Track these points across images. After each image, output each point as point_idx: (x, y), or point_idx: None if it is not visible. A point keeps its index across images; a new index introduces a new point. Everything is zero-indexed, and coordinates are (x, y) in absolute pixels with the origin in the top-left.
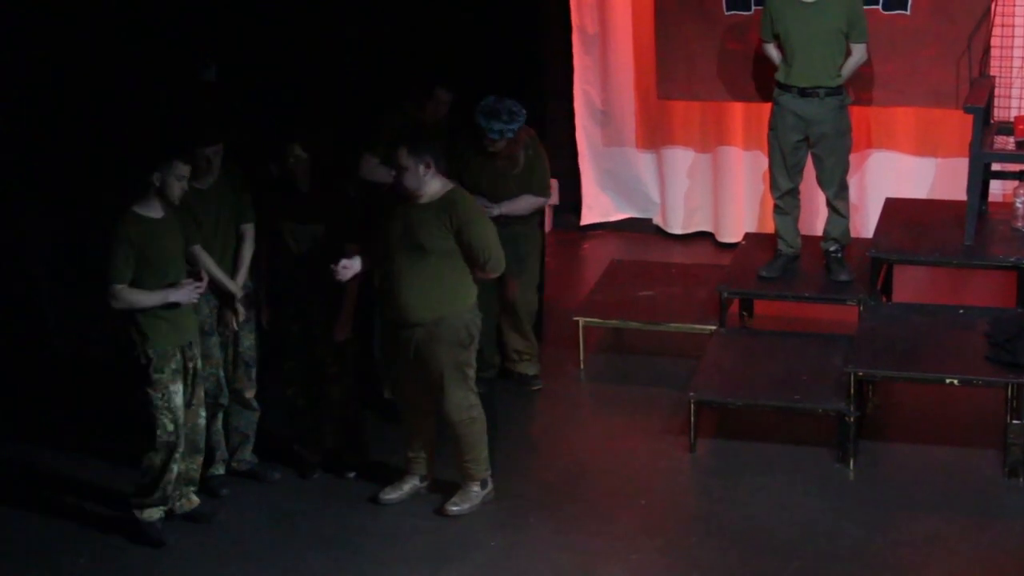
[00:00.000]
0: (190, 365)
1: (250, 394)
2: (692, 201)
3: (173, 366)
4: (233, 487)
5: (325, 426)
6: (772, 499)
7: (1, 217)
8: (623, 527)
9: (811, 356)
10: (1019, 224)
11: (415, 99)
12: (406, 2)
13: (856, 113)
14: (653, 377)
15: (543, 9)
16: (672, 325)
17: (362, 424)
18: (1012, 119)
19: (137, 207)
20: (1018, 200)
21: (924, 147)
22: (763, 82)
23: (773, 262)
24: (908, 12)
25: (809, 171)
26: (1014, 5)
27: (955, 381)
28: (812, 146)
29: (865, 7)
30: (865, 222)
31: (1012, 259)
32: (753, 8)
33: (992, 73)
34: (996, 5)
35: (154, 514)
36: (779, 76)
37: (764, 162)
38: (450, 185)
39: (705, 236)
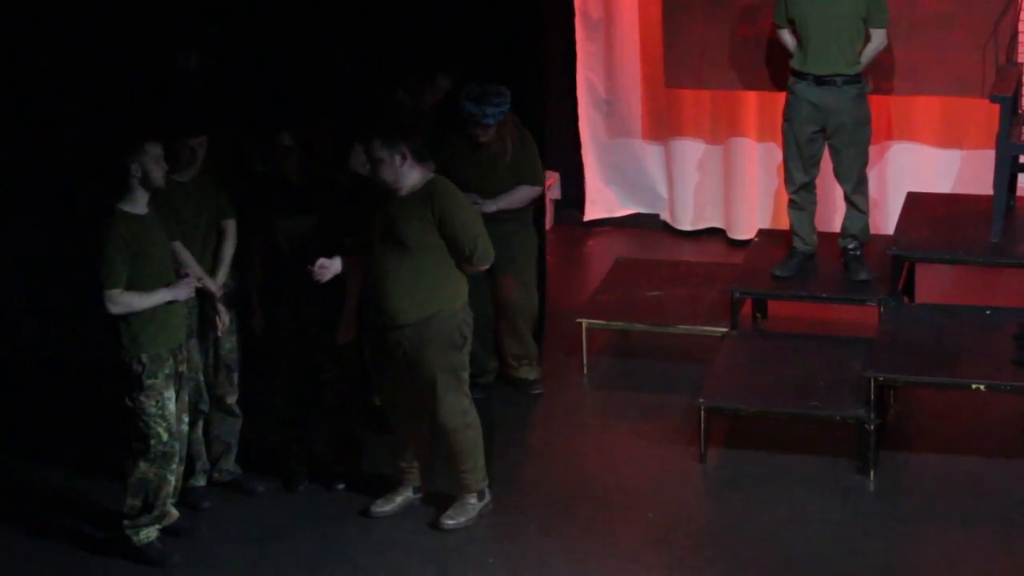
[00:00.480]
0: (181, 369)
1: (232, 399)
2: (702, 196)
3: (166, 371)
4: (215, 499)
5: (316, 434)
6: (787, 512)
7: None
8: (629, 542)
9: (828, 360)
10: None
11: (411, 86)
12: None
13: (875, 102)
14: (661, 383)
15: None
16: (681, 327)
17: (356, 432)
18: None
19: (123, 204)
20: None
21: (948, 138)
22: (777, 69)
23: (788, 260)
24: None
25: (826, 164)
26: None
27: (982, 386)
28: (829, 137)
29: None
30: (885, 218)
31: None
32: None
33: (1020, 60)
34: None
35: (151, 534)
36: (794, 63)
37: (778, 154)
38: (430, 175)
39: (716, 233)
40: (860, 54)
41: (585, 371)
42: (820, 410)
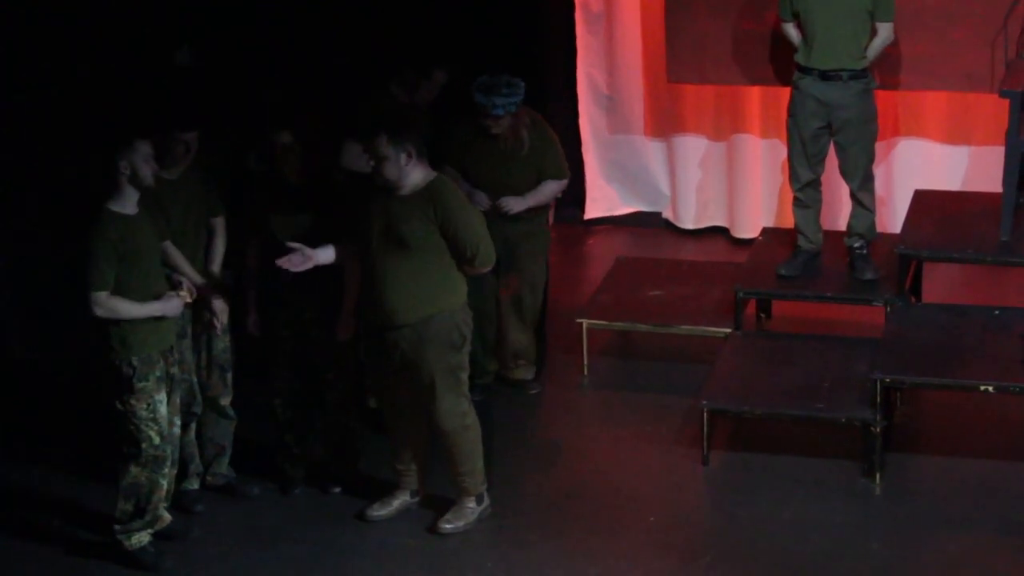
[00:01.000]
0: (172, 371)
1: (226, 401)
2: (705, 194)
3: (157, 373)
4: (208, 503)
5: (315, 436)
6: (791, 515)
7: None
8: (631, 546)
9: (834, 361)
10: None
11: (406, 81)
12: None
13: (882, 98)
14: (662, 384)
15: None
16: (683, 328)
17: (354, 433)
18: None
19: (111, 204)
20: None
21: (956, 135)
22: (782, 64)
23: (792, 259)
24: None
25: (831, 161)
26: None
27: (990, 388)
28: (834, 134)
29: None
30: (892, 216)
31: None
32: None
33: None
34: None
35: (143, 539)
36: (799, 58)
37: (782, 151)
38: (433, 174)
39: (719, 231)
40: (866, 48)
41: (585, 372)
42: (825, 412)
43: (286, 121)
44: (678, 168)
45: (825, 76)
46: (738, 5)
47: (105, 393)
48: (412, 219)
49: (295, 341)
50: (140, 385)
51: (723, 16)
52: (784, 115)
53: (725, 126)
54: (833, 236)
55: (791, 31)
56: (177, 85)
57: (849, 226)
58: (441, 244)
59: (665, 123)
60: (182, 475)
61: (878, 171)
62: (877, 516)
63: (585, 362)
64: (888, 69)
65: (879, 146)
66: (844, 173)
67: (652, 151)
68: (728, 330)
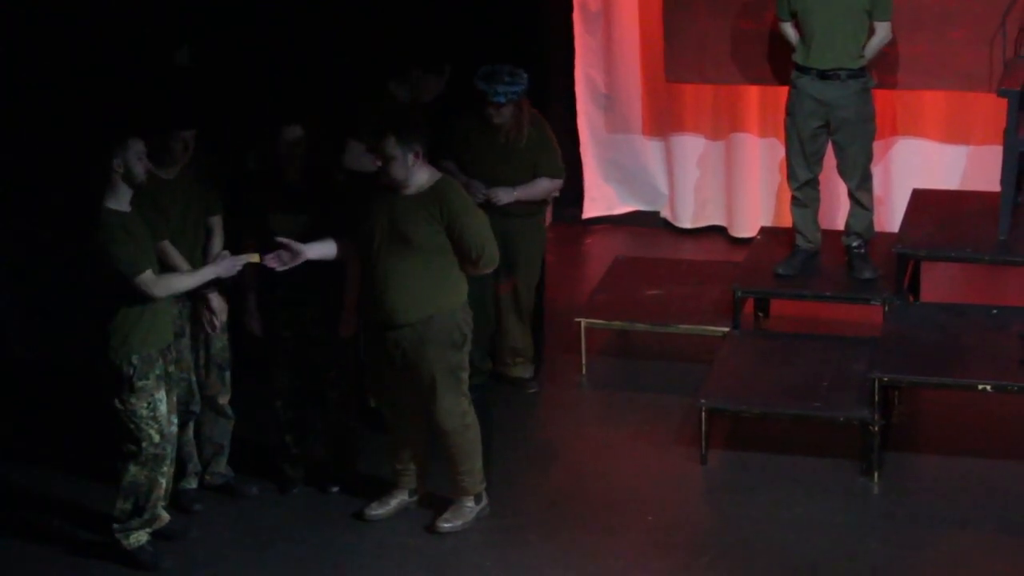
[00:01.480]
0: (170, 369)
1: (224, 400)
2: (703, 193)
3: (157, 372)
4: (206, 502)
5: (315, 436)
6: (789, 515)
7: None
8: (629, 545)
9: (832, 360)
10: None
11: (406, 80)
12: None
13: (880, 97)
14: (661, 383)
15: None
16: (681, 327)
17: (354, 432)
18: None
19: (108, 202)
20: None
21: (954, 134)
22: (780, 64)
23: (790, 259)
24: None
25: (830, 160)
26: None
27: (988, 387)
28: (833, 133)
29: None
30: (890, 215)
31: None
32: None
33: None
34: None
35: (141, 538)
36: (797, 57)
37: (781, 150)
38: (438, 175)
39: (717, 230)
40: (864, 48)
41: (584, 371)
42: (823, 411)
43: (298, 116)
44: (676, 167)
45: (823, 75)
46: (736, 4)
47: (105, 392)
48: (417, 219)
49: (296, 340)
50: (141, 384)
51: (721, 15)
52: (782, 114)
53: (723, 125)
54: (831, 235)
55: (789, 30)
56: (176, 85)
57: (847, 225)
58: (444, 244)
59: (663, 122)
60: (180, 474)
61: (876, 170)
62: (875, 515)
63: (583, 361)
64: (886, 68)
65: (877, 145)
66: (842, 172)
67: (650, 150)
68: (726, 329)
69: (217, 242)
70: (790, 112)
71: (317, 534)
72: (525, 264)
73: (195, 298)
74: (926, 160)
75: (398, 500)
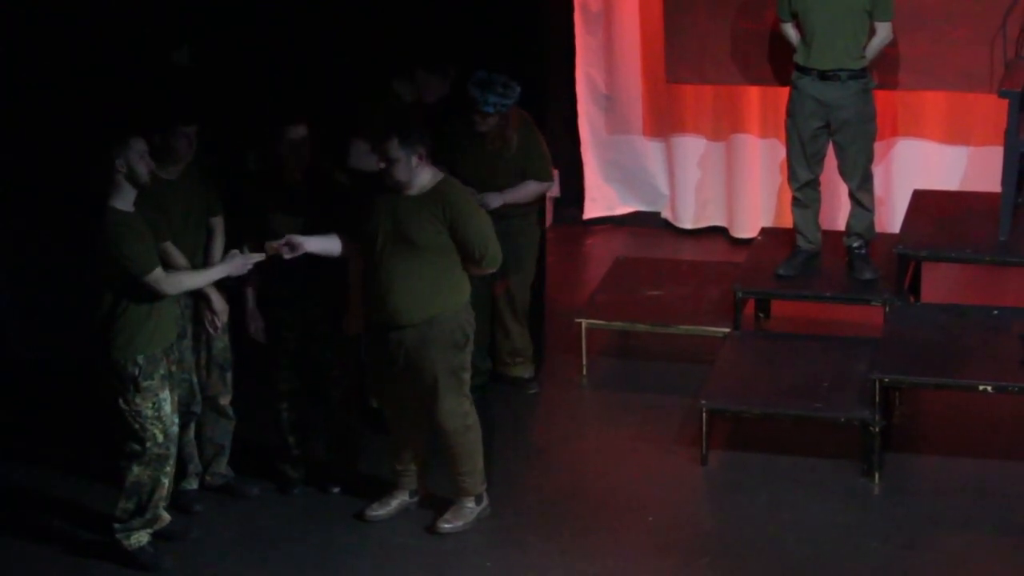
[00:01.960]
0: (173, 369)
1: (225, 400)
2: (704, 193)
3: (161, 371)
4: (207, 503)
5: (316, 436)
6: (790, 515)
7: None
8: (630, 546)
9: (833, 361)
10: None
11: (410, 80)
12: None
13: (881, 98)
14: (661, 384)
15: None
16: (682, 327)
17: (356, 431)
18: None
19: (112, 202)
20: None
21: (955, 135)
22: (780, 64)
23: (791, 259)
24: None
25: (830, 161)
26: None
27: (989, 388)
28: (833, 133)
29: None
30: (891, 216)
31: None
32: None
33: None
34: None
35: (142, 538)
36: (798, 58)
37: (781, 151)
38: (440, 175)
39: (718, 231)
40: (865, 48)
41: (584, 372)
42: (824, 412)
43: (301, 115)
44: (677, 168)
45: (824, 76)
46: (737, 5)
47: (108, 392)
48: (421, 219)
49: (299, 340)
50: (146, 384)
51: (722, 16)
52: (783, 115)
53: (724, 126)
54: (832, 236)
55: (790, 31)
56: (176, 83)
57: (848, 226)
58: (447, 244)
59: (664, 123)
60: (181, 475)
61: (877, 171)
62: (876, 516)
63: (584, 362)
64: (887, 69)
65: (878, 146)
66: (843, 173)
67: (651, 151)
68: (727, 330)
69: (218, 243)
70: (791, 113)
71: (318, 534)
72: (519, 263)
73: (197, 298)
74: (927, 161)
75: (399, 501)
